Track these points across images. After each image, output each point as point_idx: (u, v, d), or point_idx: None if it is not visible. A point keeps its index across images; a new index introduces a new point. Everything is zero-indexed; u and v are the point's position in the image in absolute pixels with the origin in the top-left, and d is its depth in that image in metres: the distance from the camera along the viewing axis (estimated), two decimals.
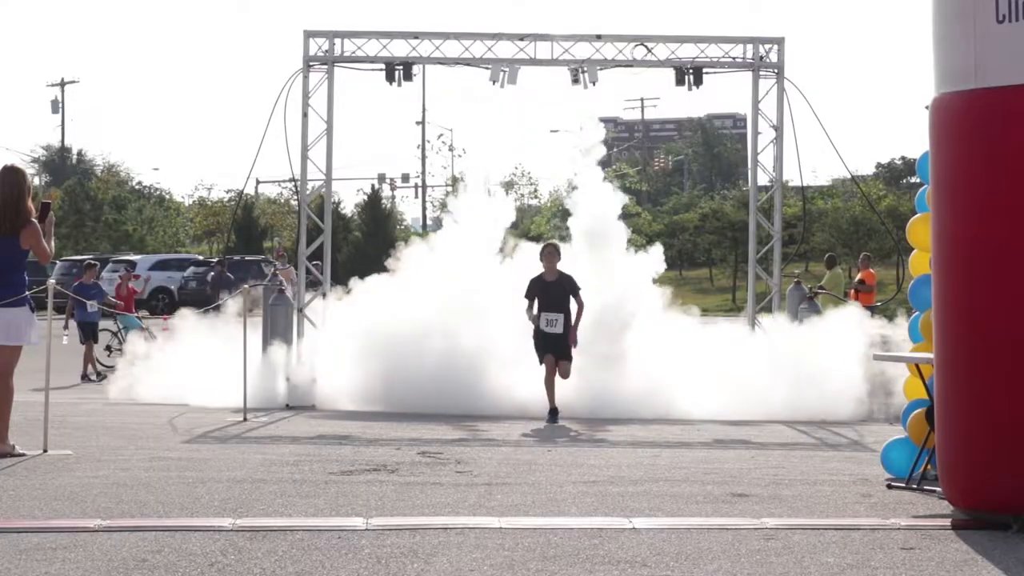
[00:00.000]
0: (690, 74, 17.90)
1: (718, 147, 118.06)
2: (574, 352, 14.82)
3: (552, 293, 14.78)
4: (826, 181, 74.89)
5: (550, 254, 15.02)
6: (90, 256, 44.16)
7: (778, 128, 17.91)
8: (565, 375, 14.77)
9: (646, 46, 17.85)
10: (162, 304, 42.59)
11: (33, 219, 10.69)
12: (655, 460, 11.10)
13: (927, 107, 8.40)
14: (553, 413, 14.55)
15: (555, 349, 14.62)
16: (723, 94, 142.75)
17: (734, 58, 18.02)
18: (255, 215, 65.13)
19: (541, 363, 14.66)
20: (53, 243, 10.97)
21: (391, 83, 17.84)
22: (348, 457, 10.96)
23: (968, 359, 7.98)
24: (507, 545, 7.34)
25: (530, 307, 14.67)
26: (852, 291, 23.82)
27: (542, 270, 14.95)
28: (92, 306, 20.60)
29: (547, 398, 14.62)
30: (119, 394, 16.78)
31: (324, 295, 17.32)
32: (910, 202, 12.07)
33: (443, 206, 70.67)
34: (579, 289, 14.80)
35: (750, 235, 18.50)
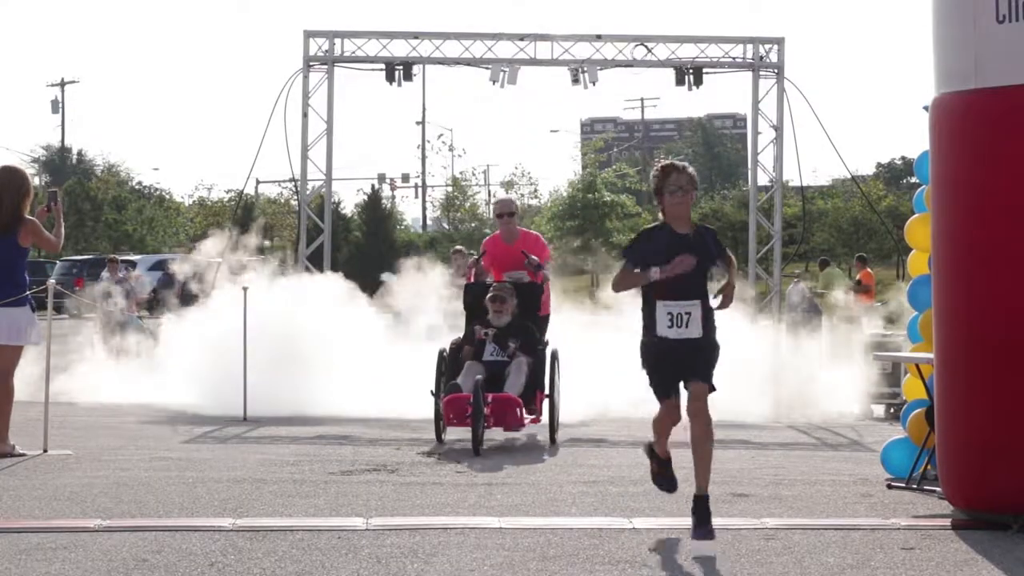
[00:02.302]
0: (690, 74, 17.94)
1: (718, 147, 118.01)
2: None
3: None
4: (826, 181, 74.89)
5: (684, 187, 7.66)
6: (92, 255, 44.10)
7: (778, 128, 17.94)
8: (700, 411, 7.57)
9: (646, 46, 17.89)
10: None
11: (28, 215, 10.68)
12: None
13: (925, 107, 8.41)
14: (667, 481, 8.31)
15: (687, 369, 7.62)
16: (723, 94, 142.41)
17: (734, 58, 18.06)
18: (255, 215, 65.10)
19: (662, 398, 7.75)
20: (63, 231, 10.95)
21: (391, 83, 17.89)
22: (348, 457, 10.96)
23: (968, 359, 7.98)
24: (507, 545, 7.34)
25: (633, 273, 7.65)
26: (851, 292, 23.83)
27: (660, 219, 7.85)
28: (118, 303, 20.81)
29: (657, 450, 8.29)
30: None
31: None
32: (910, 202, 12.15)
33: (443, 206, 70.80)
34: (724, 250, 7.95)
35: (750, 235, 18.53)
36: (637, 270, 7.66)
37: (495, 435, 12.06)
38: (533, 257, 12.37)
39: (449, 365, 11.98)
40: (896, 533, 7.86)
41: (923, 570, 6.92)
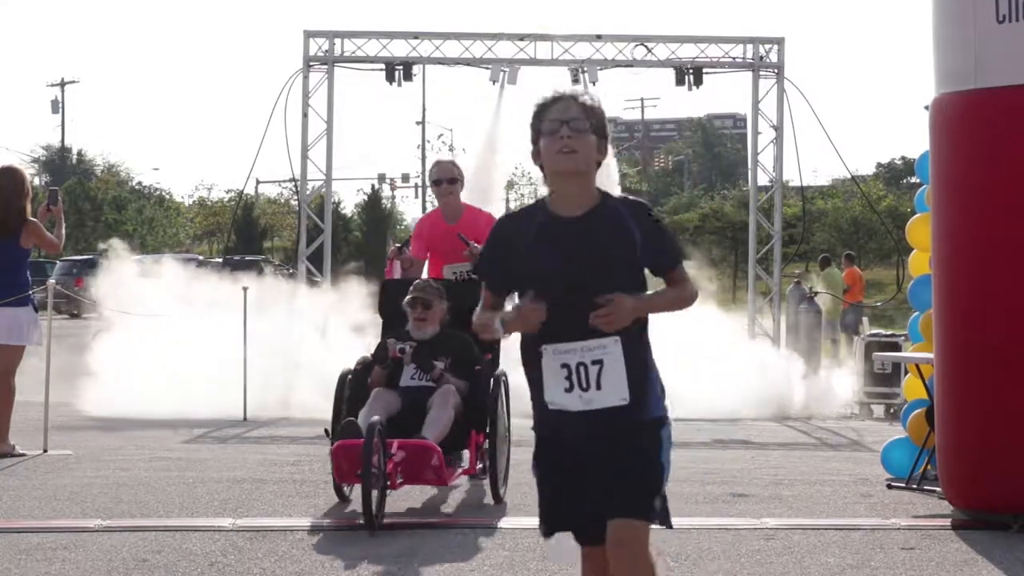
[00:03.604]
0: (690, 74, 17.94)
1: (718, 147, 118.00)
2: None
3: (575, 267, 4.33)
4: (826, 181, 74.91)
5: (571, 123, 4.31)
6: (92, 255, 44.04)
7: (778, 128, 17.94)
8: (631, 560, 4.32)
9: (646, 46, 17.89)
10: None
11: (30, 217, 10.69)
12: None
13: (926, 107, 8.41)
14: None
15: (601, 481, 4.39)
16: (723, 94, 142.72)
17: (734, 58, 18.07)
18: (255, 215, 65.15)
19: (549, 529, 4.64)
20: (64, 230, 10.95)
21: (391, 83, 17.88)
22: None
23: (968, 359, 7.98)
24: (507, 545, 7.33)
25: (484, 310, 4.59)
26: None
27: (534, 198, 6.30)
28: None
29: None
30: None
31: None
32: (910, 202, 12.11)
33: None
34: (676, 253, 4.52)
35: (750, 235, 18.52)
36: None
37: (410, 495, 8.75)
38: (475, 244, 8.88)
39: (353, 394, 8.57)
40: (896, 533, 7.86)
41: (923, 570, 6.92)
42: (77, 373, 15.18)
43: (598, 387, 4.29)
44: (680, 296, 4.47)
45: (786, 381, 16.21)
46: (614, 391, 4.29)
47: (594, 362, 4.28)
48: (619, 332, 4.26)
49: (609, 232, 4.31)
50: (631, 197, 4.47)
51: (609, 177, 18.35)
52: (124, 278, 16.16)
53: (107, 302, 15.86)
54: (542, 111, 4.36)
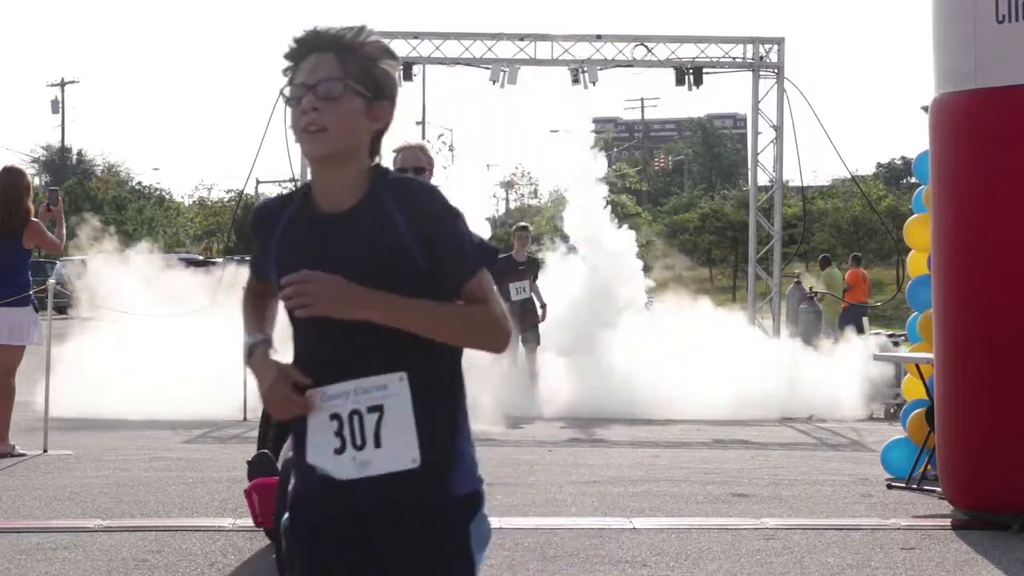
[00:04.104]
0: (690, 74, 17.96)
1: (718, 147, 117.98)
2: None
3: None
4: (826, 181, 74.89)
5: (327, 83, 2.96)
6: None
7: (778, 128, 17.95)
8: None
9: (646, 46, 17.90)
10: None
11: (33, 217, 10.70)
12: (655, 460, 11.09)
13: (924, 108, 8.41)
14: None
15: None
16: (723, 94, 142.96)
17: (734, 58, 18.08)
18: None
19: None
20: (64, 230, 10.95)
21: None
22: None
23: (968, 359, 7.98)
24: (507, 545, 7.33)
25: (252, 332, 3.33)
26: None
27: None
28: None
29: None
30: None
31: None
32: (910, 202, 12.07)
33: None
34: (467, 258, 3.02)
35: (750, 235, 18.53)
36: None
37: None
38: None
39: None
40: (896, 533, 7.86)
41: (923, 570, 6.92)
42: (70, 372, 15.14)
43: (376, 443, 2.96)
44: (472, 317, 3.01)
45: (788, 382, 16.16)
46: (399, 450, 2.97)
47: (371, 409, 2.96)
48: (406, 367, 2.96)
49: (375, 235, 2.99)
50: (410, 179, 3.15)
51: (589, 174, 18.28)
52: (105, 271, 16.04)
53: (89, 297, 15.75)
54: (291, 70, 3.08)
